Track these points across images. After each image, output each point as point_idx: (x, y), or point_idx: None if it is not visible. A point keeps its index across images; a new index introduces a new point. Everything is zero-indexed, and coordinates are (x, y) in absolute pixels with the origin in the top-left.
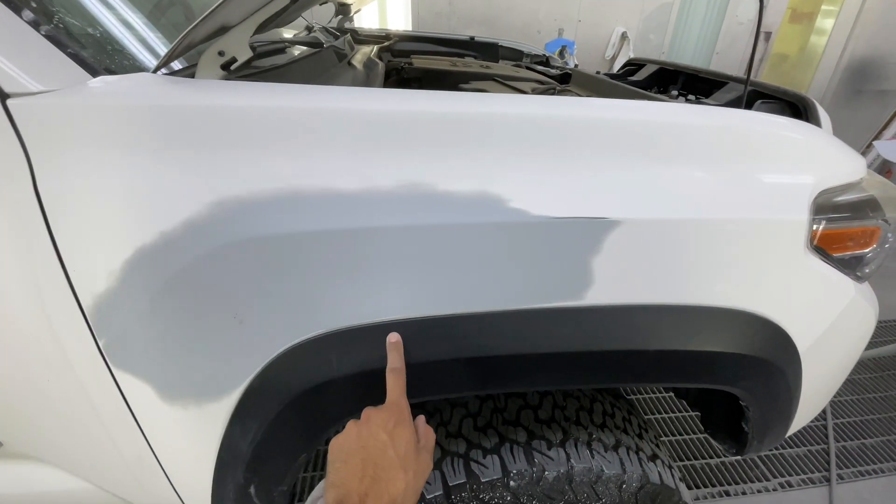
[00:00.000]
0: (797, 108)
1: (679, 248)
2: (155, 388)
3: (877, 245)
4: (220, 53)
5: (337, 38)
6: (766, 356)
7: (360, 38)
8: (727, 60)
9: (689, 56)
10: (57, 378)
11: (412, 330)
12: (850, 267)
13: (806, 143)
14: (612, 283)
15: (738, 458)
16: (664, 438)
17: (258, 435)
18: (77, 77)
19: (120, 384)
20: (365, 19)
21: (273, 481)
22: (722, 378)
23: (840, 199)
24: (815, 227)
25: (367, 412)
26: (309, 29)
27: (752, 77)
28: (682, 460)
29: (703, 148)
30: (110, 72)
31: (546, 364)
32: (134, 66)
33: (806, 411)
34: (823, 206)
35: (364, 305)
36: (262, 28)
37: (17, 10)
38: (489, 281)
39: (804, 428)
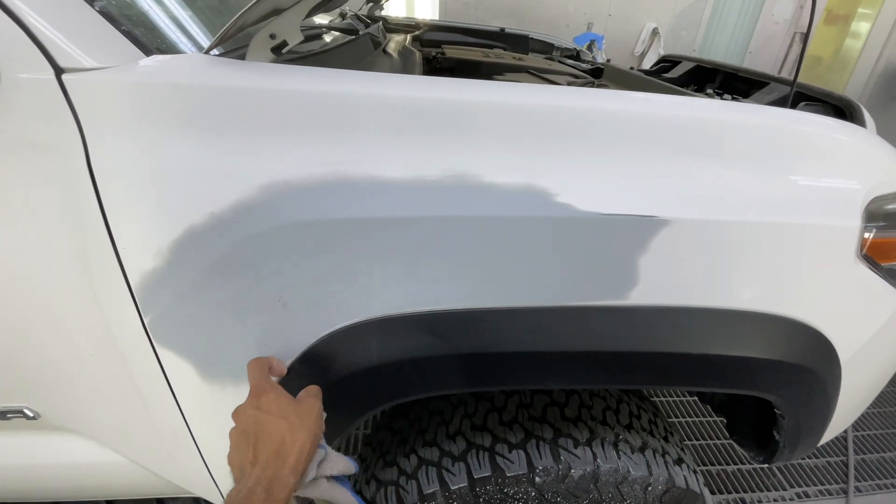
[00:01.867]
0: (842, 111)
1: (726, 250)
2: (195, 367)
3: None
4: (272, 36)
5: (368, 25)
6: (808, 364)
7: (390, 26)
8: (760, 60)
9: (721, 54)
10: (100, 352)
11: (453, 321)
12: None
13: (858, 148)
14: (658, 284)
15: (757, 466)
16: (686, 442)
17: None
18: (130, 55)
19: (162, 361)
20: (392, 8)
21: None
22: (762, 385)
23: (893, 206)
24: (866, 234)
25: (234, 409)
26: (342, 15)
27: (785, 77)
28: (699, 465)
29: (753, 148)
30: (162, 51)
31: (586, 362)
32: (186, 46)
33: (839, 422)
34: (875, 214)
35: (406, 295)
36: (313, 12)
37: None
38: (532, 276)
39: None
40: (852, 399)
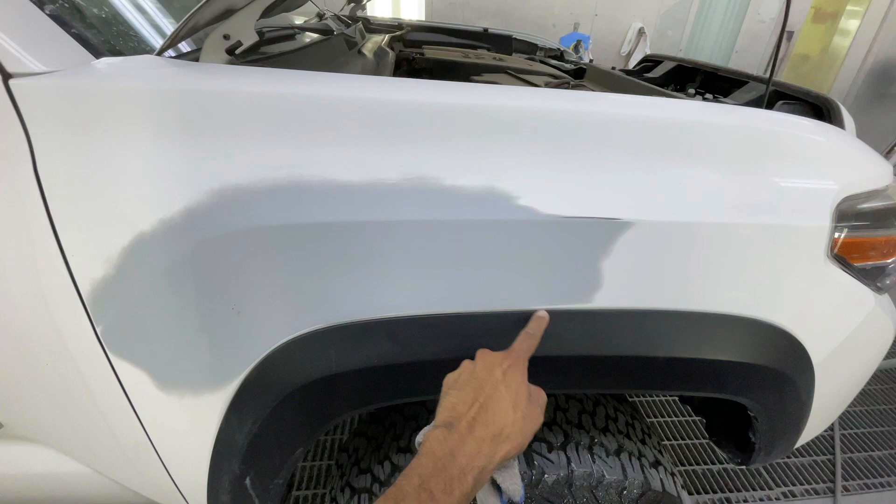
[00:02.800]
0: (820, 110)
1: (692, 252)
2: (151, 377)
3: None
4: (226, 37)
5: (349, 26)
6: (779, 367)
7: (373, 26)
8: (747, 59)
9: (707, 54)
10: (55, 363)
11: (412, 328)
12: (871, 277)
13: (830, 147)
14: (622, 287)
15: (737, 466)
16: (666, 443)
17: (254, 428)
18: (80, 58)
19: (117, 371)
20: (378, 8)
21: (269, 474)
22: (731, 387)
23: (864, 206)
24: (836, 234)
25: (483, 351)
26: (320, 16)
27: (773, 77)
28: (683, 465)
29: (721, 148)
30: (114, 53)
31: (550, 367)
32: (137, 49)
33: (816, 423)
34: (846, 213)
35: (363, 301)
36: (268, 12)
37: None
38: (494, 280)
39: None
40: (829, 400)
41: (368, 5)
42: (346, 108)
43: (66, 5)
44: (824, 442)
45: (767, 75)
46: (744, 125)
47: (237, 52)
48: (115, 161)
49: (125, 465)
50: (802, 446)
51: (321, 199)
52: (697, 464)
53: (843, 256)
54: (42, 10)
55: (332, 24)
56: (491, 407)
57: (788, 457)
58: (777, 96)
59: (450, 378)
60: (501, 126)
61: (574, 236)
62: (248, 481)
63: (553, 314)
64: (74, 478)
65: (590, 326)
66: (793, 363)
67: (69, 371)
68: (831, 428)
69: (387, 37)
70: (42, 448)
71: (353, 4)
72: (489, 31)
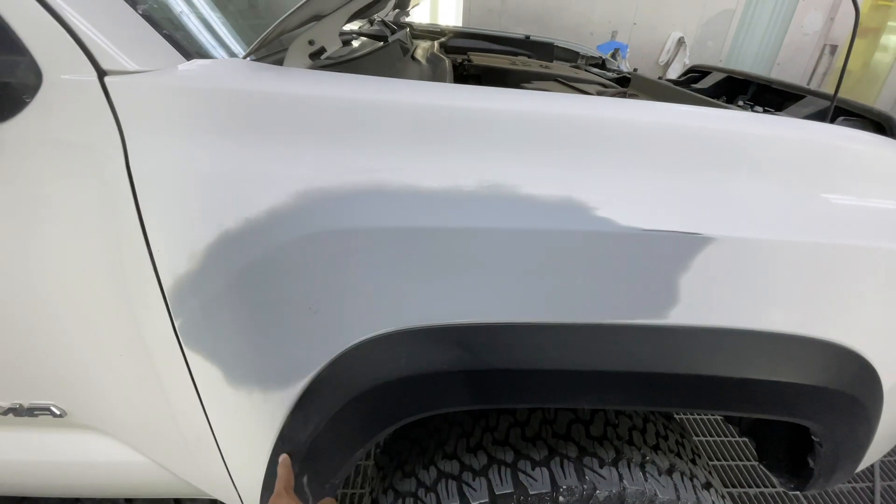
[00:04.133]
0: (881, 126)
1: (768, 270)
2: (223, 371)
3: None
4: (311, 42)
5: (394, 31)
6: (851, 391)
7: (416, 32)
8: (789, 72)
9: (748, 66)
10: (129, 353)
11: (485, 335)
12: None
13: None
14: (698, 304)
15: (781, 490)
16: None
17: (319, 427)
18: (171, 59)
19: (190, 364)
20: (416, 14)
21: (327, 474)
22: (801, 410)
23: None
24: None
25: None
26: (371, 21)
27: (823, 91)
28: (725, 487)
29: (798, 164)
30: (202, 56)
31: (621, 383)
32: (226, 52)
33: (876, 449)
34: None
35: (438, 306)
36: (352, 18)
37: None
38: (568, 291)
39: None
40: (892, 426)
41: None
42: (426, 114)
43: (158, 7)
44: (864, 469)
45: (815, 88)
46: (819, 141)
47: (322, 57)
48: (204, 160)
49: (185, 458)
50: None
51: (401, 204)
52: (734, 486)
53: None
54: (136, 10)
55: (382, 30)
56: None
57: None
58: (837, 112)
59: None
60: (577, 135)
61: (652, 250)
62: (305, 479)
63: (627, 329)
64: (133, 468)
65: (663, 343)
66: (864, 388)
67: (143, 362)
68: None
69: (436, 43)
70: (102, 437)
71: (397, 10)
72: (530, 38)
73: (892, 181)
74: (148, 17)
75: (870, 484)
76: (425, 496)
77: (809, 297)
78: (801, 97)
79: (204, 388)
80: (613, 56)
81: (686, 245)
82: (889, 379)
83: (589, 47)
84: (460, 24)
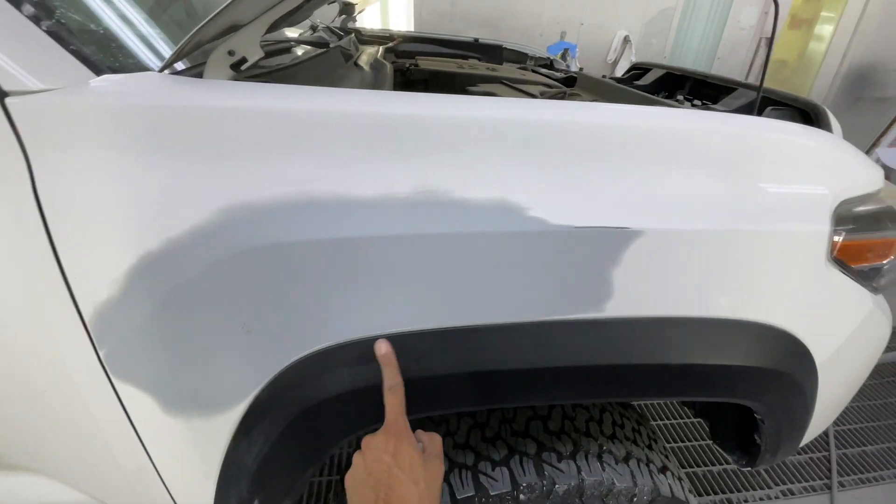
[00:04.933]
0: (808, 115)
1: (699, 259)
2: (157, 400)
3: (895, 256)
4: (230, 53)
5: (341, 37)
6: (785, 369)
7: (364, 38)
8: (728, 66)
9: (690, 61)
10: (55, 387)
11: (427, 342)
12: (868, 278)
13: (825, 152)
14: (633, 295)
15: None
16: (668, 445)
17: (265, 448)
18: (80, 76)
19: (120, 395)
20: (367, 19)
21: (279, 495)
22: (741, 392)
23: (860, 209)
24: (835, 238)
25: (366, 441)
26: (313, 28)
27: (763, 83)
28: (683, 467)
29: (724, 156)
30: (114, 71)
31: (565, 378)
32: (139, 66)
33: (819, 422)
34: (844, 217)
35: (377, 316)
36: (273, 27)
37: (18, 5)
38: (507, 292)
39: None
40: (830, 400)
41: (360, 17)
42: (356, 122)
43: (64, 22)
44: (819, 439)
45: (753, 81)
46: (743, 132)
47: (243, 67)
48: (119, 180)
49: (126, 491)
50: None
51: (332, 215)
52: (697, 465)
53: (842, 259)
54: (39, 26)
55: (326, 36)
56: (394, 496)
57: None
58: (765, 102)
59: (347, 481)
60: (509, 138)
61: (584, 246)
62: (256, 503)
63: (565, 324)
64: None
65: (602, 336)
66: (797, 365)
67: (70, 395)
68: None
69: (381, 49)
70: (39, 477)
71: (344, 16)
72: (479, 41)
73: (815, 168)
74: (53, 33)
75: (826, 454)
76: None
77: (739, 283)
78: (734, 90)
79: (138, 419)
80: (563, 56)
81: (616, 239)
82: (821, 354)
83: (537, 48)
84: (412, 29)
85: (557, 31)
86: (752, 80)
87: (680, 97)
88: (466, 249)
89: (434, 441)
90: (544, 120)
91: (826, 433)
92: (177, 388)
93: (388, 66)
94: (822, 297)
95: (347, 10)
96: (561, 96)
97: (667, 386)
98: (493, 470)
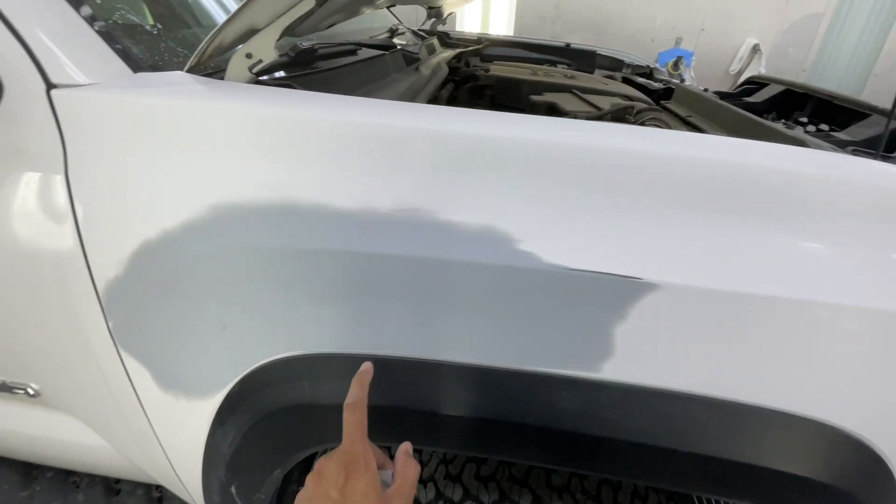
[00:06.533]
0: None
1: (742, 328)
2: (152, 374)
3: None
4: (248, 56)
5: (424, 40)
6: (850, 489)
7: (451, 41)
8: (888, 84)
9: (837, 77)
10: (82, 351)
11: (390, 370)
12: None
13: None
14: (640, 359)
15: None
16: None
17: (236, 440)
18: (120, 71)
19: (126, 364)
20: (467, 21)
21: (251, 487)
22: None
23: None
24: None
25: (319, 464)
26: (392, 31)
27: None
28: None
29: (784, 202)
30: (155, 68)
31: (541, 438)
32: (173, 64)
33: None
34: None
35: (343, 334)
36: (289, 31)
37: (77, 6)
38: (485, 330)
39: None
40: None
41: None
42: (342, 131)
43: (114, 22)
44: None
45: (890, 108)
46: (818, 174)
47: (255, 70)
48: (131, 171)
49: (136, 449)
50: None
51: (311, 224)
52: None
53: None
54: (92, 26)
55: (405, 40)
56: None
57: None
58: None
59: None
60: (507, 159)
61: (581, 292)
62: (233, 489)
63: (548, 378)
64: (97, 451)
65: (592, 399)
66: (869, 485)
67: (90, 360)
68: None
69: (452, 52)
70: (72, 418)
71: (433, 20)
72: (571, 46)
73: None
74: (102, 31)
75: None
76: None
77: (798, 367)
78: (868, 115)
79: (139, 387)
80: (676, 65)
81: (621, 290)
82: None
83: (636, 55)
84: (511, 32)
85: (672, 37)
86: None
87: (800, 119)
88: (445, 277)
89: (407, 474)
90: (549, 143)
91: None
92: (167, 367)
93: (443, 71)
94: None
95: (435, 14)
96: (629, 111)
97: (671, 474)
98: None
